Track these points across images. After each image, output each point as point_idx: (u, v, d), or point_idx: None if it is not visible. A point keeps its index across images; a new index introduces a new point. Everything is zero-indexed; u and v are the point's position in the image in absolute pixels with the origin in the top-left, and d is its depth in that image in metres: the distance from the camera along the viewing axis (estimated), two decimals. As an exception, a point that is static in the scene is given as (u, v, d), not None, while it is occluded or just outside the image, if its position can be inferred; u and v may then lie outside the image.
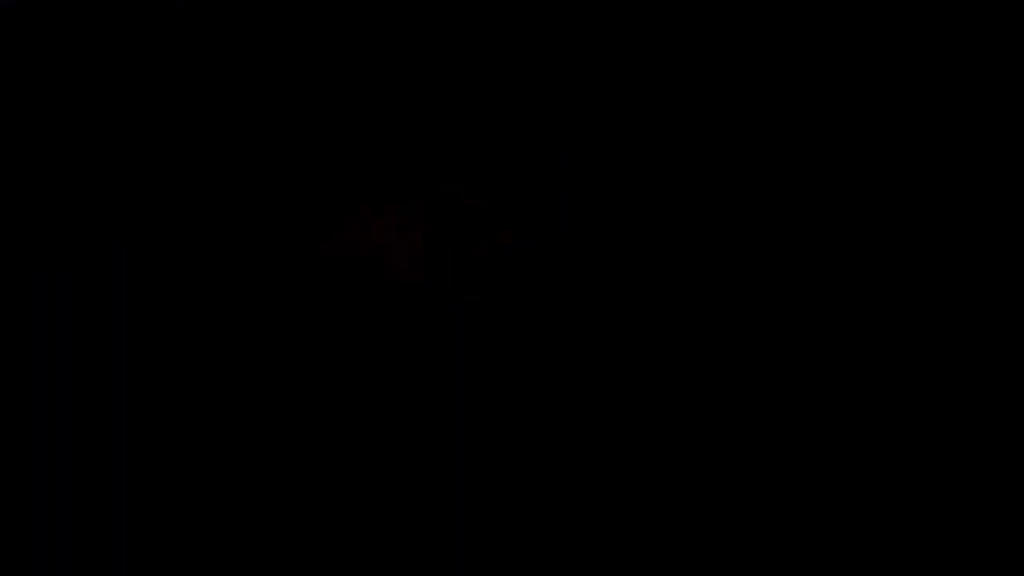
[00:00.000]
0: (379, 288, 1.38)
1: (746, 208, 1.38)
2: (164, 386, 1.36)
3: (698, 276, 1.37)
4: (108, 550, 1.32)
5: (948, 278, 1.34)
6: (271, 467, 1.37)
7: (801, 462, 1.32)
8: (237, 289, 1.37)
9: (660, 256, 1.38)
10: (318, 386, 1.38)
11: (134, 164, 1.36)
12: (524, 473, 1.34)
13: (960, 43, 1.37)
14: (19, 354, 1.33)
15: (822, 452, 1.32)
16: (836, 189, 1.38)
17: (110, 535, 1.33)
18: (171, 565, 1.33)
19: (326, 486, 1.35)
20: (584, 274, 1.38)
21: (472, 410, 1.36)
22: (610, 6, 1.35)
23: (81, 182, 1.35)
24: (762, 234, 1.37)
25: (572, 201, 1.38)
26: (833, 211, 1.37)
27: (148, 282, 1.34)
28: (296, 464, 1.37)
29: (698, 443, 1.33)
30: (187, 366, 1.36)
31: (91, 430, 1.34)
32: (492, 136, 1.37)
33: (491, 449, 1.35)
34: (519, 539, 1.32)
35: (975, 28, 1.36)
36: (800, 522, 1.30)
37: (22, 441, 1.32)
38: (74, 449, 1.33)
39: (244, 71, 1.38)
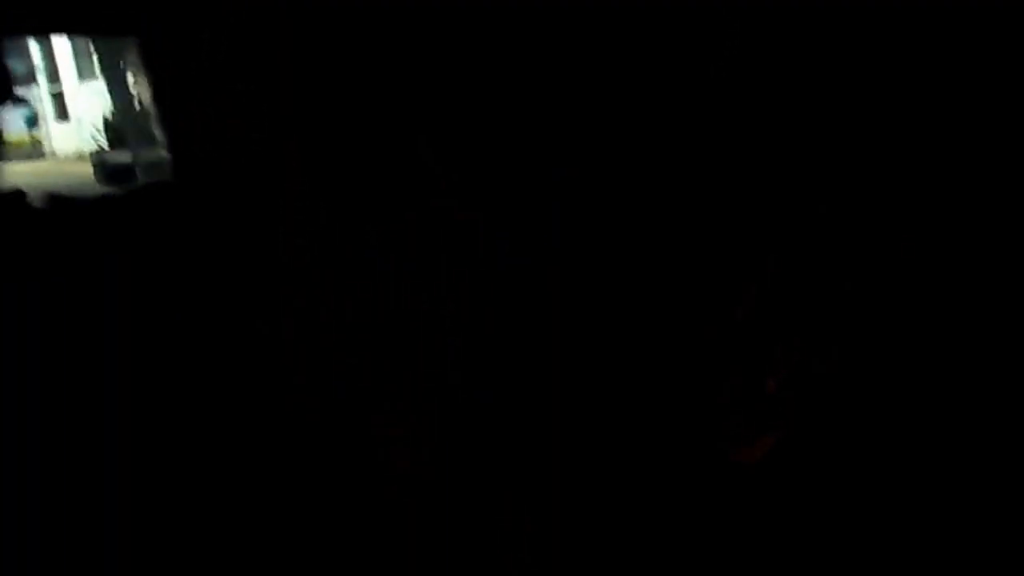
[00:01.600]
0: None
1: (743, 223, 1.37)
2: (153, 392, 1.37)
3: (696, 288, 1.37)
4: (101, 547, 1.35)
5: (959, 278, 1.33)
6: (260, 468, 1.39)
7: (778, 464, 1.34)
8: (226, 298, 1.37)
9: (655, 269, 1.38)
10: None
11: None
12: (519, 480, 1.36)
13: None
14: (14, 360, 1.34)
15: (801, 457, 1.34)
16: (834, 208, 1.37)
17: (103, 533, 1.35)
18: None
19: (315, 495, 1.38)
20: (578, 288, 1.38)
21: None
22: (606, 20, 1.32)
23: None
24: (757, 247, 1.37)
25: (566, 215, 1.37)
26: (831, 231, 1.36)
27: (140, 291, 1.35)
28: (287, 466, 1.39)
29: (700, 451, 1.35)
30: (175, 373, 1.37)
31: (85, 436, 1.36)
32: (485, 149, 1.36)
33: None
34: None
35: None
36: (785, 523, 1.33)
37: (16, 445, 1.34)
38: (67, 454, 1.35)
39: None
